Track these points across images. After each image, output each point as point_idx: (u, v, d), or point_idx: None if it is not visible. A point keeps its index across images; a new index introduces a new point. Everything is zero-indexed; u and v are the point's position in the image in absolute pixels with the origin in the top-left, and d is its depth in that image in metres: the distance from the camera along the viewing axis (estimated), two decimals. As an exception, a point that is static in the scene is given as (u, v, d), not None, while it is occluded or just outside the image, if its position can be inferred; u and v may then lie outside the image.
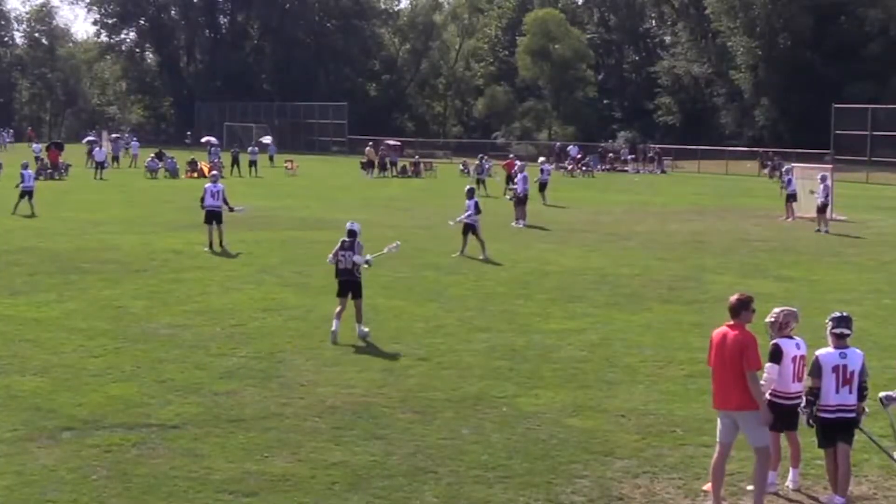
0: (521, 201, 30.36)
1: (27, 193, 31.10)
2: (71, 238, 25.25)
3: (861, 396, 8.75)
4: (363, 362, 13.25)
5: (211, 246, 23.67)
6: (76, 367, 12.86)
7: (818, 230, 29.23)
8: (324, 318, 15.98)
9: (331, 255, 15.07)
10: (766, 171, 59.77)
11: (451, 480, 9.14)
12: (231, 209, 25.10)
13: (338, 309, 14.54)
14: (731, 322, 8.50)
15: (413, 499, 8.76)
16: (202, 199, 24.57)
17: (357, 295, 14.71)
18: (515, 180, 32.21)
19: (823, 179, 30.04)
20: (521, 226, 29.52)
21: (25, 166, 32.05)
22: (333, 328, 14.28)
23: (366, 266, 15.02)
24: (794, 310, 9.11)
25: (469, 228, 23.24)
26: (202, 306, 16.83)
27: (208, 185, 25.06)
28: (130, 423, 10.64)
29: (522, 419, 10.91)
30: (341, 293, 14.72)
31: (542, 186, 38.45)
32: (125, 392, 11.75)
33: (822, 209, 29.63)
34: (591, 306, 17.32)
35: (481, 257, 22.63)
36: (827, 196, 29.63)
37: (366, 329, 14.59)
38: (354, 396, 11.67)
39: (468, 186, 25.05)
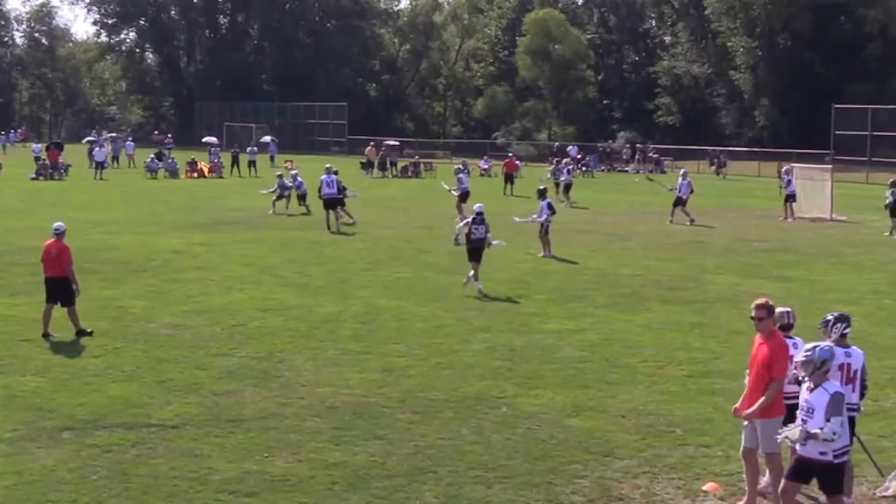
0: (462, 198, 32.18)
1: (330, 204, 28.22)
2: (71, 238, 24.93)
3: (860, 395, 8.75)
4: (363, 362, 13.25)
5: (329, 228, 27.57)
6: (76, 367, 12.87)
7: (670, 221, 30.99)
8: (324, 318, 16.01)
9: (462, 224, 19.62)
10: (712, 168, 61.67)
11: (451, 480, 9.14)
12: (346, 196, 29.02)
13: (471, 273, 18.57)
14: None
15: (413, 499, 8.76)
16: (319, 190, 28.50)
17: (479, 259, 18.77)
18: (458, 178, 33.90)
19: (685, 176, 32.52)
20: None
21: (328, 171, 28.95)
22: (478, 287, 18.34)
23: (488, 246, 19.10)
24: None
25: (541, 228, 23.64)
26: (202, 306, 16.83)
27: (323, 176, 28.57)
28: (130, 423, 10.65)
29: (522, 419, 10.91)
30: (472, 258, 18.74)
31: (567, 188, 38.30)
32: (125, 392, 11.75)
33: (681, 202, 31.48)
34: (591, 306, 17.33)
35: (541, 255, 23.16)
36: (687, 190, 31.63)
37: (481, 285, 18.40)
38: (354, 396, 11.68)
39: (541, 187, 25.36)
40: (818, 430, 7.37)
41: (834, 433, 7.34)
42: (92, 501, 8.63)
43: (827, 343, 7.71)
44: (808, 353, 7.57)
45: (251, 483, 9.02)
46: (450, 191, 32.55)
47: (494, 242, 19.38)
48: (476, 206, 19.44)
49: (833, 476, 7.61)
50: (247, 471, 9.30)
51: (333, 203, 28.26)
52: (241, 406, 11.29)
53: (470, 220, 19.13)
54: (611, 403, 11.55)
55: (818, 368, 7.52)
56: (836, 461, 7.52)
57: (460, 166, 39.64)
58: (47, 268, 14.85)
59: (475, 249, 18.75)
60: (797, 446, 7.58)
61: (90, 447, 9.87)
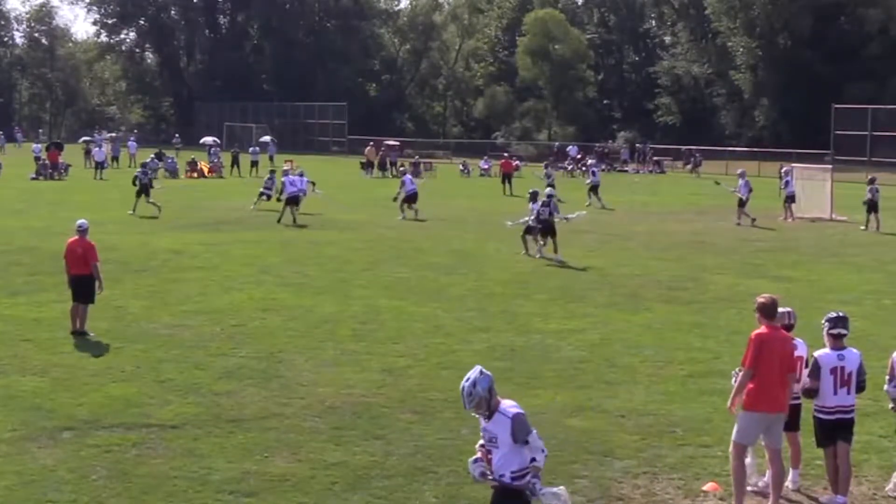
0: (409, 199, 32.15)
1: (293, 201, 30.26)
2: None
3: (858, 390, 8.76)
4: (363, 362, 13.25)
5: (280, 220, 29.57)
6: (76, 367, 12.86)
7: (738, 223, 30.84)
8: (324, 318, 16.01)
9: (533, 214, 23.13)
10: (688, 167, 62.84)
11: (450, 480, 9.14)
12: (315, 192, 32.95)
13: (540, 244, 22.97)
14: (771, 324, 8.53)
15: (413, 499, 8.76)
16: (281, 190, 31.22)
17: (553, 234, 23.02)
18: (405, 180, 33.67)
19: (742, 175, 32.43)
20: (401, 219, 31.45)
21: (286, 173, 31.97)
22: (558, 258, 22.39)
23: (565, 220, 24.01)
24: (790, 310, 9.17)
25: (530, 230, 23.70)
26: (202, 306, 16.83)
27: (285, 177, 31.30)
28: (130, 423, 10.64)
29: (522, 419, 10.90)
30: (546, 235, 22.93)
31: (594, 188, 37.95)
32: (125, 392, 11.75)
33: (741, 204, 31.39)
34: (591, 306, 17.32)
35: (524, 252, 23.29)
36: (745, 190, 31.64)
37: (561, 257, 22.48)
38: (354, 396, 11.67)
39: (531, 190, 25.28)
40: (537, 464, 6.60)
41: (543, 451, 6.66)
42: (92, 501, 8.62)
43: (478, 367, 6.77)
44: (470, 391, 6.64)
45: (251, 483, 9.02)
46: (394, 198, 32.54)
47: (572, 216, 24.66)
48: (547, 191, 24.53)
49: (511, 500, 6.74)
50: (247, 471, 9.30)
51: (297, 201, 30.60)
52: (241, 406, 11.29)
53: (540, 203, 23.20)
54: (611, 403, 11.54)
55: (489, 399, 6.69)
56: (514, 483, 6.67)
57: (405, 168, 40.39)
58: (71, 265, 14.87)
59: (546, 228, 22.98)
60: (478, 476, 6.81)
61: (90, 447, 9.86)
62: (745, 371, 8.50)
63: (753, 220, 30.85)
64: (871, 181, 30.17)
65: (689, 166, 62.87)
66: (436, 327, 15.44)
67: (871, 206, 29.65)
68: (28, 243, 24.06)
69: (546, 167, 42.94)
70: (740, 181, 31.89)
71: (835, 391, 8.60)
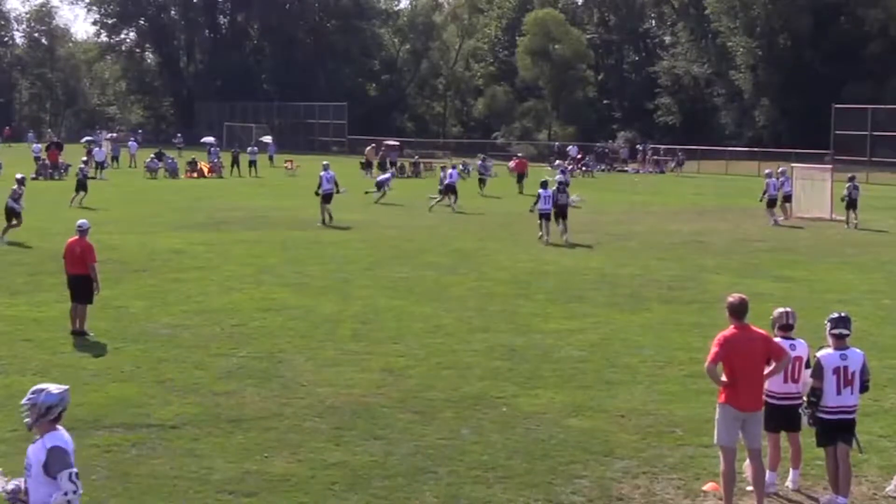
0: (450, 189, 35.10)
1: (328, 198, 30.18)
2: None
3: (861, 390, 8.74)
4: (363, 362, 13.25)
5: (324, 222, 29.36)
6: (76, 367, 12.86)
7: (780, 222, 31.38)
8: (324, 318, 16.01)
9: (550, 196, 26.03)
10: (672, 165, 64.08)
11: (451, 480, 9.14)
12: (339, 191, 30.96)
13: (546, 234, 25.51)
14: (743, 323, 8.48)
15: (413, 499, 8.76)
16: (319, 185, 30.36)
17: (565, 217, 26.20)
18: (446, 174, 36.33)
19: (769, 175, 32.77)
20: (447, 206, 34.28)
21: (326, 167, 31.15)
22: (566, 238, 25.69)
23: (574, 202, 27.99)
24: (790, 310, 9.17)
25: (543, 216, 26.21)
26: (202, 306, 16.83)
27: (322, 173, 30.59)
28: (130, 423, 10.65)
29: (522, 419, 10.91)
30: (559, 217, 25.94)
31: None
32: (125, 392, 11.75)
33: (772, 203, 31.97)
34: (591, 306, 17.33)
35: (543, 240, 25.76)
36: (773, 189, 32.14)
37: (570, 238, 25.65)
38: (354, 396, 11.68)
39: (542, 180, 27.61)
40: (49, 501, 6.12)
41: (66, 493, 6.10)
42: (92, 501, 8.62)
43: (60, 388, 6.40)
44: (36, 392, 6.39)
45: (251, 483, 9.02)
46: (439, 190, 35.70)
47: (574, 198, 28.20)
48: (558, 177, 27.42)
49: None
50: (247, 471, 9.30)
51: (330, 198, 30.12)
52: (241, 406, 11.29)
53: (554, 189, 26.02)
54: (611, 403, 11.54)
55: (43, 416, 6.32)
56: None
57: (450, 165, 41.64)
58: (69, 265, 14.91)
59: (559, 213, 25.88)
60: None
61: (90, 447, 9.86)
62: (707, 366, 8.44)
63: (776, 221, 31.11)
64: (851, 179, 31.25)
65: (672, 164, 63.71)
66: (436, 327, 15.45)
67: (850, 204, 30.54)
68: (28, 243, 24.07)
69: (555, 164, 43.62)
70: (767, 181, 31.97)
71: (838, 391, 8.59)
